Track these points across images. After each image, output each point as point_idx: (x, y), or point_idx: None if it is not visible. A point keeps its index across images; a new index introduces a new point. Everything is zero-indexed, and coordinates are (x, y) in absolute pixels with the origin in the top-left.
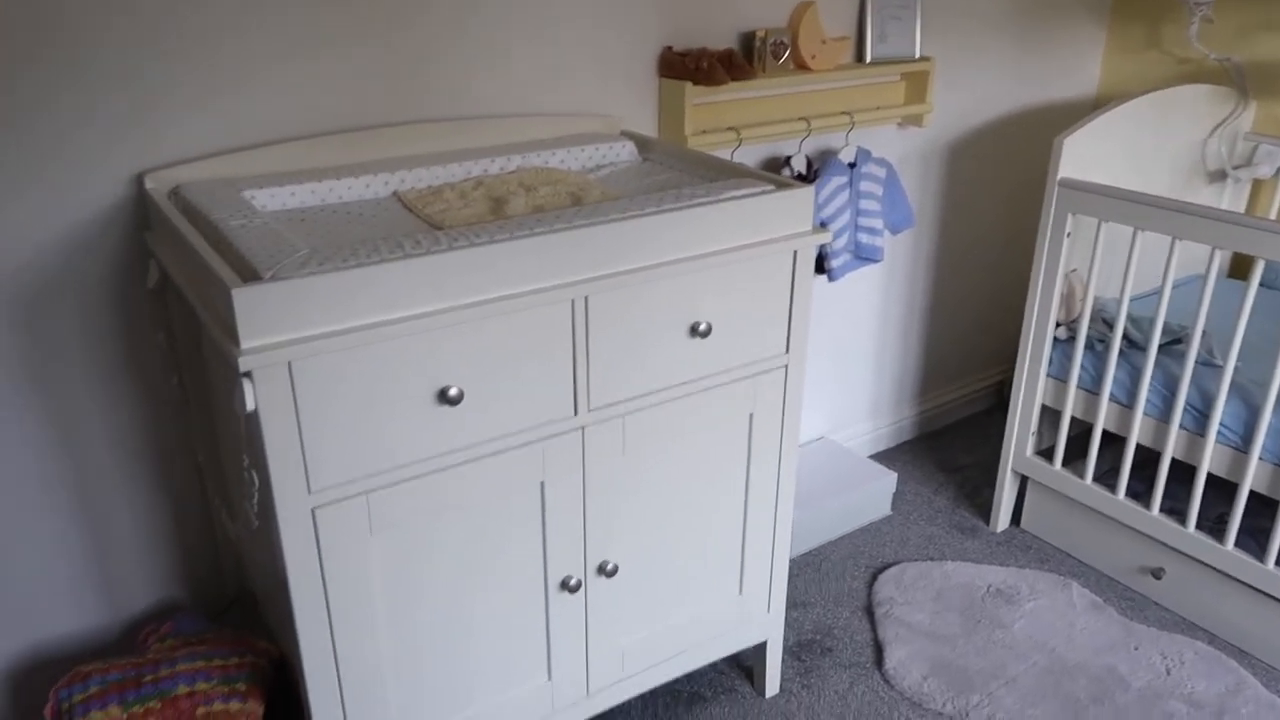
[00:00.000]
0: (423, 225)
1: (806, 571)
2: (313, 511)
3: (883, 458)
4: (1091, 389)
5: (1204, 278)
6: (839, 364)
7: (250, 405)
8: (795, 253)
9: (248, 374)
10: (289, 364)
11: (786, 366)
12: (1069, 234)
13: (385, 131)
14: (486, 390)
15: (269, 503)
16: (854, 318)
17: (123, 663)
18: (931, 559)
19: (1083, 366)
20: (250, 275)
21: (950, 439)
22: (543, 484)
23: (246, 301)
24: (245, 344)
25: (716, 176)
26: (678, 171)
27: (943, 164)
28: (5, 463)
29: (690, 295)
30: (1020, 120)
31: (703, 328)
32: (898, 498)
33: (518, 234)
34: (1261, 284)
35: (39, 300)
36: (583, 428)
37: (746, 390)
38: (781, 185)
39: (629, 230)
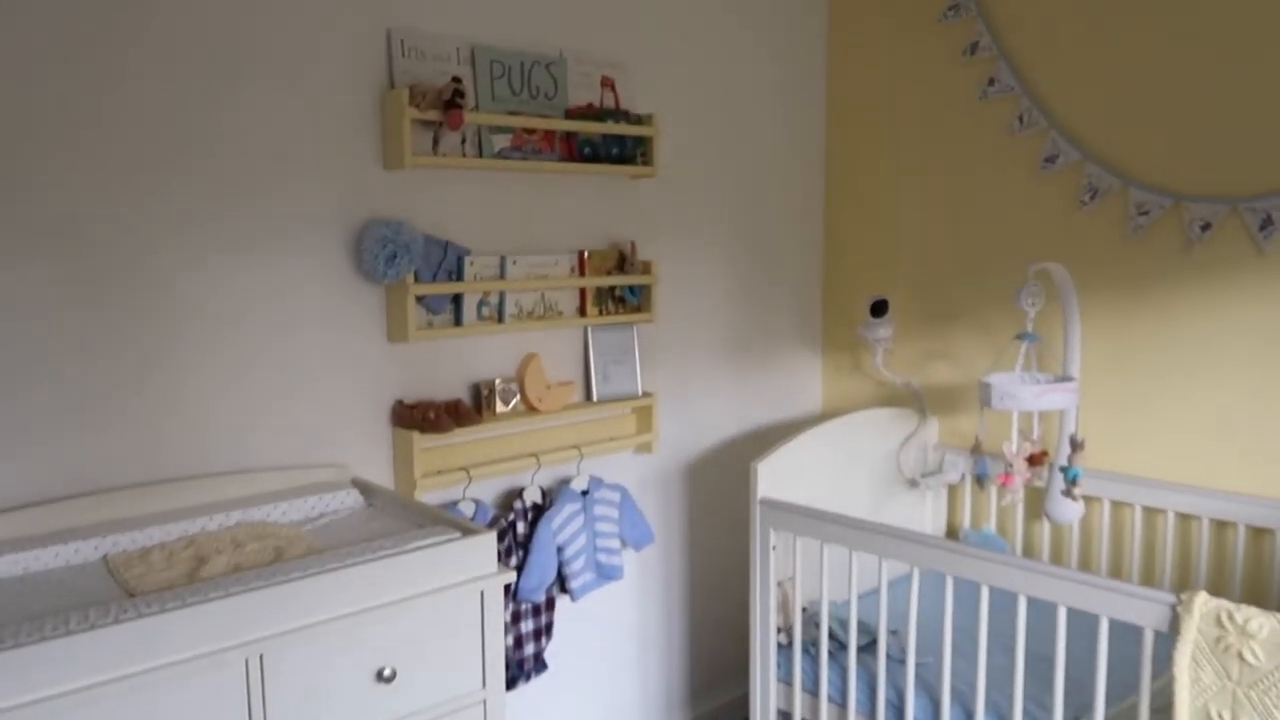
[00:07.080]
0: (118, 591)
1: None
2: None
3: None
4: (814, 691)
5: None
6: (601, 681)
7: None
8: (482, 592)
9: None
10: None
11: (484, 701)
12: (774, 547)
13: (113, 495)
14: None
15: None
16: (609, 633)
17: None
18: None
19: (803, 670)
20: None
21: None
22: None
23: None
24: None
25: (425, 523)
26: (393, 519)
27: (682, 484)
28: None
29: (374, 642)
30: (747, 441)
31: (387, 673)
32: None
33: (190, 600)
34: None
35: None
36: None
37: None
38: (468, 532)
39: (301, 590)
